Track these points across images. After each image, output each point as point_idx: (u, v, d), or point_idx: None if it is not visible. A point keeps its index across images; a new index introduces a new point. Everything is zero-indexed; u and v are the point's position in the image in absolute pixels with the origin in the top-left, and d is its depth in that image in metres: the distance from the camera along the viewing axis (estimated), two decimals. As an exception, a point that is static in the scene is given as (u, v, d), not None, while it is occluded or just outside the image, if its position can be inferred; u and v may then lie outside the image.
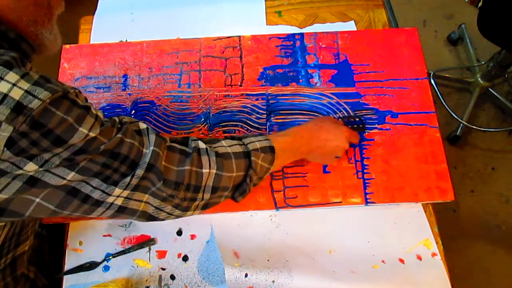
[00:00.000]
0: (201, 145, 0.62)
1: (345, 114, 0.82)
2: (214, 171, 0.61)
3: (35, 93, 0.45)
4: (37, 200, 0.50)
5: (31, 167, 0.47)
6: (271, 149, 0.67)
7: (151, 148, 0.56)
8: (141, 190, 0.56)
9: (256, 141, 0.67)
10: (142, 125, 0.59)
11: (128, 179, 0.54)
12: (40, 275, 0.75)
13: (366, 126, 0.81)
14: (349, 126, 0.79)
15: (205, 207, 0.65)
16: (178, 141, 0.63)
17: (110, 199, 0.54)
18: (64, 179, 0.49)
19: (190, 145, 0.63)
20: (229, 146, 0.65)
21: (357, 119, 0.80)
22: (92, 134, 0.49)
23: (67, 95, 0.48)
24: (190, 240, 0.75)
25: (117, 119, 0.56)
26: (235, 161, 0.63)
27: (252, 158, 0.64)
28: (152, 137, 0.58)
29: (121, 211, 0.57)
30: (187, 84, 0.86)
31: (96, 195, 0.53)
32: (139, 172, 0.55)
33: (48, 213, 0.52)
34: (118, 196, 0.55)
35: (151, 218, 0.61)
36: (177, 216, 0.63)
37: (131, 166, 0.54)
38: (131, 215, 0.59)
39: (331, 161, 0.77)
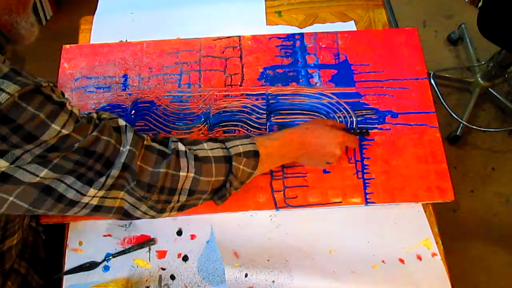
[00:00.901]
0: (181, 147, 0.61)
1: (351, 117, 0.80)
2: (192, 174, 0.59)
3: (3, 86, 0.44)
4: (11, 198, 0.49)
5: (1, 164, 0.46)
6: (255, 154, 0.65)
7: (128, 147, 0.55)
8: (116, 188, 0.56)
9: (240, 144, 0.65)
10: (121, 122, 0.58)
11: (103, 179, 0.53)
12: (32, 271, 0.75)
13: (366, 126, 0.81)
14: (352, 131, 0.77)
15: (182, 208, 0.64)
16: (158, 141, 0.62)
17: (85, 199, 0.54)
18: (37, 176, 0.49)
19: (170, 146, 0.61)
20: (210, 150, 0.63)
21: (363, 130, 0.78)
22: (65, 131, 0.48)
23: (40, 89, 0.47)
24: (190, 240, 0.75)
25: (95, 115, 0.55)
26: (215, 165, 0.61)
27: (233, 163, 0.62)
28: (130, 135, 0.56)
29: (97, 209, 0.57)
30: (187, 84, 0.86)
31: (71, 194, 0.52)
32: (114, 172, 0.54)
33: (23, 211, 0.51)
34: (93, 196, 0.54)
35: (126, 214, 0.60)
36: (153, 217, 0.62)
37: (106, 165, 0.53)
38: (107, 212, 0.58)
39: (322, 166, 0.77)
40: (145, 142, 0.59)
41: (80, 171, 0.51)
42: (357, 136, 0.78)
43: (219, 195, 0.64)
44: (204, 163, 0.61)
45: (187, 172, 0.59)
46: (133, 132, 0.57)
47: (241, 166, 0.63)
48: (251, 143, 0.66)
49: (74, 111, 0.51)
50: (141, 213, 0.60)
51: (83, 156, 0.51)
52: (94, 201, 0.55)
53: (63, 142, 0.49)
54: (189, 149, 0.62)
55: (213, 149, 0.63)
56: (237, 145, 0.64)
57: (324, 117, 0.82)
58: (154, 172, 0.57)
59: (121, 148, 0.55)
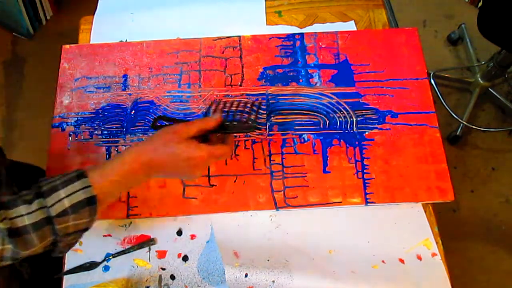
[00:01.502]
0: None
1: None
2: (10, 246, 0.52)
3: None
4: None
5: None
6: (89, 202, 0.55)
7: None
8: None
9: (66, 196, 0.54)
10: None
11: None
12: None
13: (367, 126, 0.81)
14: (237, 124, 0.65)
15: None
16: None
17: None
18: None
19: None
20: (27, 215, 0.53)
21: (247, 124, 0.65)
22: None
23: None
24: (190, 240, 0.75)
25: None
26: (35, 234, 0.53)
27: (56, 227, 0.54)
28: None
29: None
30: (187, 84, 0.86)
31: None
32: None
33: None
34: None
35: None
36: None
37: None
38: None
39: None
40: None
41: None
42: (232, 145, 0.67)
43: (57, 253, 0.58)
44: (20, 235, 0.53)
45: (2, 245, 0.52)
46: None
47: (69, 223, 0.55)
48: (84, 187, 0.55)
49: None
50: None
51: None
52: None
53: None
54: (4, 219, 0.53)
55: (30, 213, 0.53)
56: (62, 199, 0.54)
57: (324, 117, 0.81)
58: None
59: None
